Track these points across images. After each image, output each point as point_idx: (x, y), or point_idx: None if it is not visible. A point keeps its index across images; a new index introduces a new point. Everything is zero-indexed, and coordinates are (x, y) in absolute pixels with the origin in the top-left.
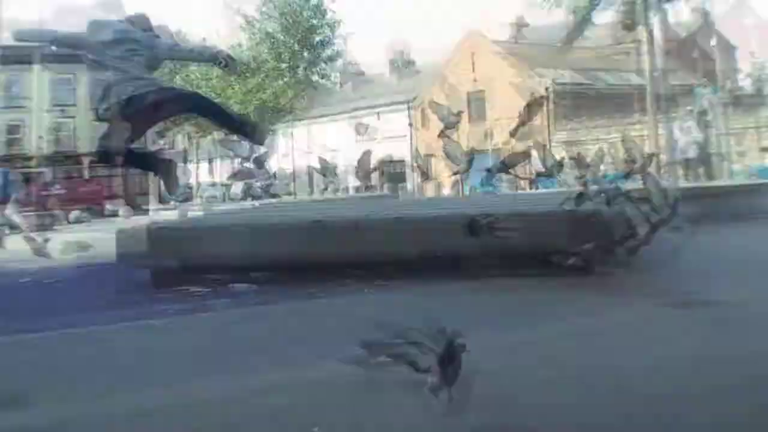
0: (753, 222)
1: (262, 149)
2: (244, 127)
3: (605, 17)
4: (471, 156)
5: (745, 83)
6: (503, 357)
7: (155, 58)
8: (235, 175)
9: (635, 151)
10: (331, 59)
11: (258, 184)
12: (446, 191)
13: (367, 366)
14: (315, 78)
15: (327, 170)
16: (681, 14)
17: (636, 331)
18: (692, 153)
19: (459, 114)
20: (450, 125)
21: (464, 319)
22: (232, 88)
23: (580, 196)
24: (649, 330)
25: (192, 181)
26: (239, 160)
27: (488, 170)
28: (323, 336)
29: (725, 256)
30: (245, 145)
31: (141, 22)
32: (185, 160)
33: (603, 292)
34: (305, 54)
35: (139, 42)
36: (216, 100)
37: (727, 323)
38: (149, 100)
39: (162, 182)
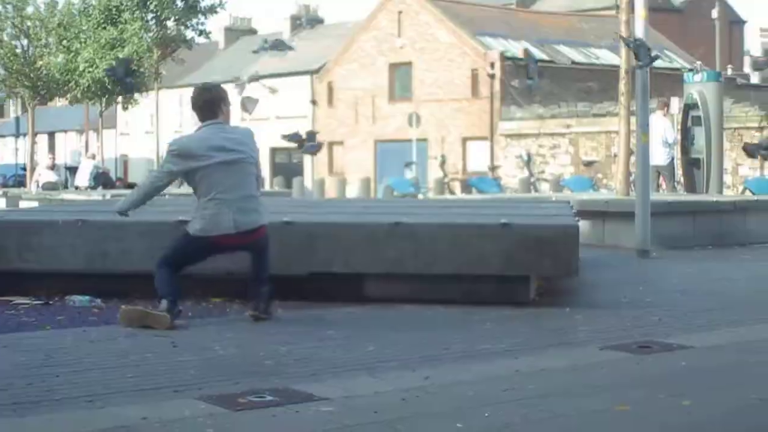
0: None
1: None
2: None
3: None
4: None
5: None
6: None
7: None
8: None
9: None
10: (211, 10)
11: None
12: (353, 191)
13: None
14: (189, 35)
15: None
16: None
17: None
18: (662, 159)
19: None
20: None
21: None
22: (81, 42)
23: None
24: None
25: (26, 161)
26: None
27: (408, 164)
28: None
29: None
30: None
31: None
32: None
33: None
34: (178, 2)
35: None
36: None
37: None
38: None
39: None
